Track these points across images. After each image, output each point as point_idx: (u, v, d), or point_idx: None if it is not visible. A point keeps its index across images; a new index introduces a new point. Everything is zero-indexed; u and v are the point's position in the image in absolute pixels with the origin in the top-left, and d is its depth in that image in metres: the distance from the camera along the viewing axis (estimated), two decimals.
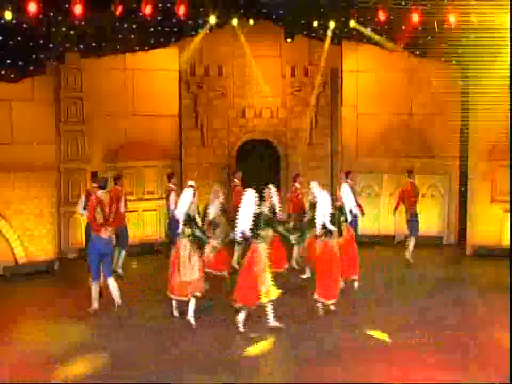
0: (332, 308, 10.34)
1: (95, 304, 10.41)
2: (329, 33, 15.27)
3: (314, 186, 12.32)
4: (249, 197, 9.58)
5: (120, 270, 12.73)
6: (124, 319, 10.27)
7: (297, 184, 13.96)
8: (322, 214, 10.26)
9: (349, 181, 13.73)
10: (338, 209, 10.95)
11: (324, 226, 10.29)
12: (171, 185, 13.61)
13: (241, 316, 9.50)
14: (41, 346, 9.19)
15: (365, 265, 13.24)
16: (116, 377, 7.97)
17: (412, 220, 14.01)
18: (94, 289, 10.39)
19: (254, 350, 8.88)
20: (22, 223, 13.34)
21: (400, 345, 8.99)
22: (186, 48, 15.42)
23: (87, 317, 10.38)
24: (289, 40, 15.92)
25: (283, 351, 8.94)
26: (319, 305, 10.31)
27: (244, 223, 9.45)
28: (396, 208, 14.22)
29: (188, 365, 8.35)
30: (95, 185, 11.11)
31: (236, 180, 14.42)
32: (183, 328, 9.78)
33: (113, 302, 10.42)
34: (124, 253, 12.92)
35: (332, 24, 14.99)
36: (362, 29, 14.76)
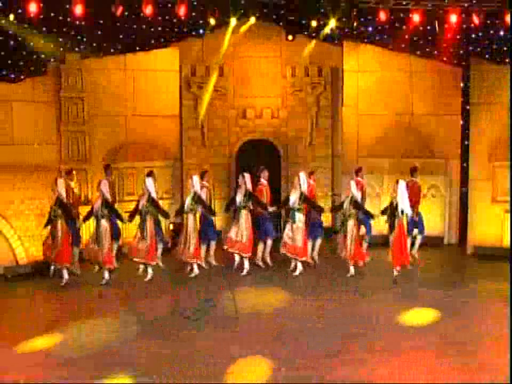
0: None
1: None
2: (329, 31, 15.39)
3: (302, 176, 13.20)
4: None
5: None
6: (130, 316, 10.38)
7: (311, 181, 13.97)
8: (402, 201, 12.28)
9: (359, 178, 13.97)
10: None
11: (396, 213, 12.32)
12: (204, 182, 13.93)
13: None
14: (41, 346, 9.19)
15: (365, 265, 13.27)
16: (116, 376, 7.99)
17: (419, 218, 13.89)
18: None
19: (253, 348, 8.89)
20: (22, 223, 13.37)
21: (400, 347, 8.98)
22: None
23: (87, 316, 10.42)
24: (290, 37, 15.86)
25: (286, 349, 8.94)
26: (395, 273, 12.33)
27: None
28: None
29: (187, 365, 8.36)
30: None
31: (262, 180, 14.19)
32: (185, 327, 9.80)
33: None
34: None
35: (332, 22, 15.04)
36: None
